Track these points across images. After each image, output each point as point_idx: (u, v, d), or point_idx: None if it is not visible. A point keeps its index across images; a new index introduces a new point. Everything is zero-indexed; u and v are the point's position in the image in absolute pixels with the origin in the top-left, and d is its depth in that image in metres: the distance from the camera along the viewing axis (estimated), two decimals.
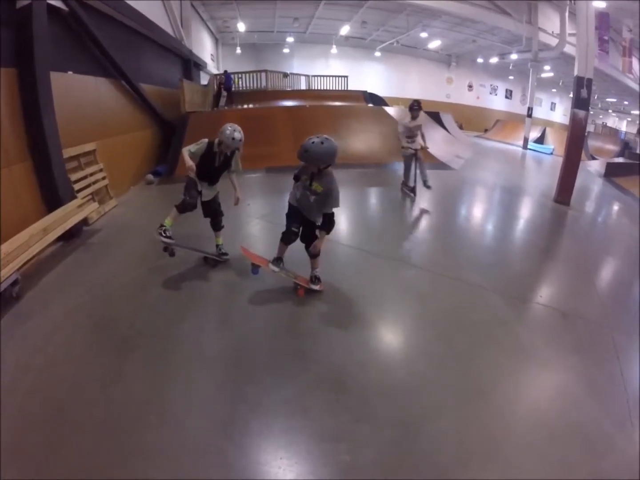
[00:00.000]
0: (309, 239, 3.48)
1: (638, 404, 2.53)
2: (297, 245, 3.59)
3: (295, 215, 3.44)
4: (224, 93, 14.05)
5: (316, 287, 3.62)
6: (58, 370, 2.66)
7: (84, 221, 5.19)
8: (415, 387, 2.61)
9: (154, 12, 9.71)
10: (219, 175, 3.89)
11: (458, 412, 2.41)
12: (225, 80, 13.24)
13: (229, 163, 3.84)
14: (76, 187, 5.34)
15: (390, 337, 3.29)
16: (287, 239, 3.49)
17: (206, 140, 3.68)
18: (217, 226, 4.08)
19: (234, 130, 3.60)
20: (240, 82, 16.41)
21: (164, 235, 3.62)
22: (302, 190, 3.32)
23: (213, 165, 3.75)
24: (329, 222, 3.31)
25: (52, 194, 4.75)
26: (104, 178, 6.23)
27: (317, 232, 3.43)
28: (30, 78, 4.46)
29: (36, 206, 4.62)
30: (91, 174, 5.89)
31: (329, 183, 3.18)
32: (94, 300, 3.53)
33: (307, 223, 3.45)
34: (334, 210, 3.32)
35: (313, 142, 3.00)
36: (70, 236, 4.76)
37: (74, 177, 5.37)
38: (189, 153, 3.58)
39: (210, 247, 4.25)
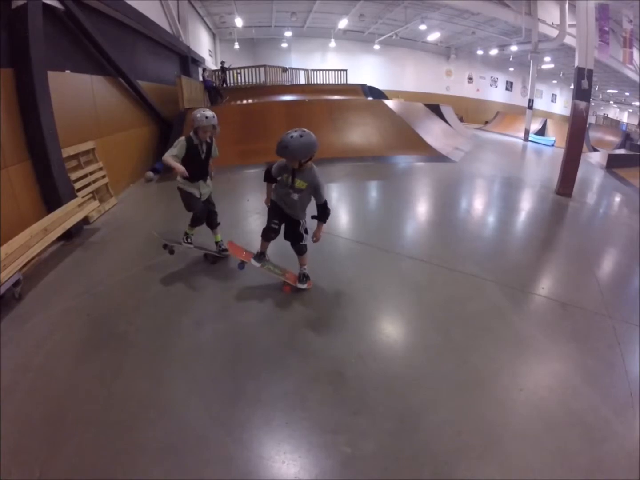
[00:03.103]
0: (293, 237, 3.44)
1: (639, 391, 2.54)
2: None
3: (276, 212, 3.37)
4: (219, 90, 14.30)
5: (303, 286, 3.58)
6: (58, 369, 2.67)
7: (85, 220, 5.21)
8: (414, 379, 2.62)
9: (151, 9, 9.66)
10: (207, 167, 3.85)
11: (456, 403, 2.43)
12: (205, 83, 13.55)
13: (211, 150, 3.81)
14: (76, 186, 5.35)
15: (388, 329, 3.29)
16: (266, 235, 3.43)
17: (182, 137, 3.60)
18: (213, 224, 4.08)
19: (203, 111, 3.59)
20: (239, 78, 16.43)
21: (185, 241, 4.06)
22: (284, 189, 3.23)
23: (200, 159, 3.70)
24: (323, 212, 3.23)
25: (52, 194, 4.76)
26: (103, 176, 6.23)
27: (300, 229, 3.39)
28: (27, 78, 4.44)
29: (36, 206, 4.63)
30: (91, 173, 5.89)
31: (312, 177, 3.10)
32: (93, 299, 3.55)
33: (290, 220, 3.40)
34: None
35: (292, 137, 2.90)
36: (71, 235, 4.78)
37: (73, 176, 5.37)
38: (175, 159, 3.47)
39: (206, 243, 4.26)
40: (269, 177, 3.34)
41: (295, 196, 3.19)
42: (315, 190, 3.14)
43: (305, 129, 2.98)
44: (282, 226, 3.44)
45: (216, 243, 4.20)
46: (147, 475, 1.94)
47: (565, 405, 2.42)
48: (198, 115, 3.54)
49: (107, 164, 6.41)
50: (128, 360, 2.75)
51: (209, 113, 3.57)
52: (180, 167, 3.41)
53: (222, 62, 16.08)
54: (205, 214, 3.91)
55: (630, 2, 13.12)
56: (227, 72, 15.79)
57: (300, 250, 3.49)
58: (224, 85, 15.50)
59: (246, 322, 3.18)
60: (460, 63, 27.61)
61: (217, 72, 15.49)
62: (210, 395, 2.45)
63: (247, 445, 2.10)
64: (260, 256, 3.57)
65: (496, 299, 3.64)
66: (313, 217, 3.27)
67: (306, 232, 3.43)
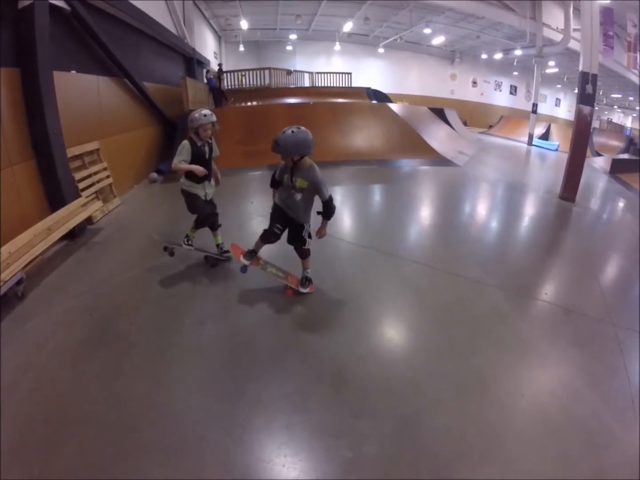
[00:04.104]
0: (296, 241, 3.42)
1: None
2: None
3: (279, 215, 3.36)
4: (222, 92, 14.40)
5: (305, 290, 3.56)
6: (59, 368, 2.67)
7: (88, 220, 5.22)
8: (415, 381, 2.61)
9: (157, 11, 9.71)
10: (211, 167, 3.85)
11: (458, 406, 2.41)
12: (209, 82, 13.65)
13: (212, 150, 3.82)
14: (80, 186, 5.36)
15: (389, 331, 3.28)
16: (266, 238, 3.40)
17: (185, 141, 3.60)
18: (214, 225, 4.06)
19: (200, 110, 3.62)
20: (244, 80, 16.49)
21: (185, 243, 4.07)
22: (287, 191, 3.22)
23: (205, 159, 3.72)
24: (328, 209, 3.19)
25: (56, 193, 4.78)
26: (107, 177, 6.25)
27: (303, 233, 3.37)
28: (33, 77, 4.46)
29: (40, 205, 4.65)
30: (95, 173, 5.91)
31: (312, 176, 3.07)
32: (95, 298, 3.56)
33: (293, 224, 3.37)
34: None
35: (284, 133, 2.94)
36: (74, 235, 4.79)
37: (78, 176, 5.39)
38: (184, 163, 3.55)
39: (207, 245, 4.26)
40: (274, 182, 3.36)
41: (298, 196, 3.17)
42: (316, 189, 3.12)
43: (302, 127, 3.00)
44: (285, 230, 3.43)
45: (217, 245, 4.19)
46: (147, 476, 1.93)
47: (567, 410, 2.40)
48: (196, 115, 3.57)
49: (111, 164, 6.44)
50: (129, 361, 2.75)
51: (206, 111, 3.61)
52: (197, 167, 3.52)
53: (220, 65, 16.22)
54: (210, 217, 3.91)
55: (634, 7, 13.08)
56: (225, 74, 15.86)
57: (303, 254, 3.49)
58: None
59: (247, 323, 3.18)
60: (465, 67, 27.60)
61: (217, 74, 15.63)
62: (211, 396, 2.44)
63: (247, 447, 2.09)
64: (251, 254, 3.53)
65: (498, 303, 3.62)
66: (319, 212, 3.25)
67: (309, 236, 3.41)
